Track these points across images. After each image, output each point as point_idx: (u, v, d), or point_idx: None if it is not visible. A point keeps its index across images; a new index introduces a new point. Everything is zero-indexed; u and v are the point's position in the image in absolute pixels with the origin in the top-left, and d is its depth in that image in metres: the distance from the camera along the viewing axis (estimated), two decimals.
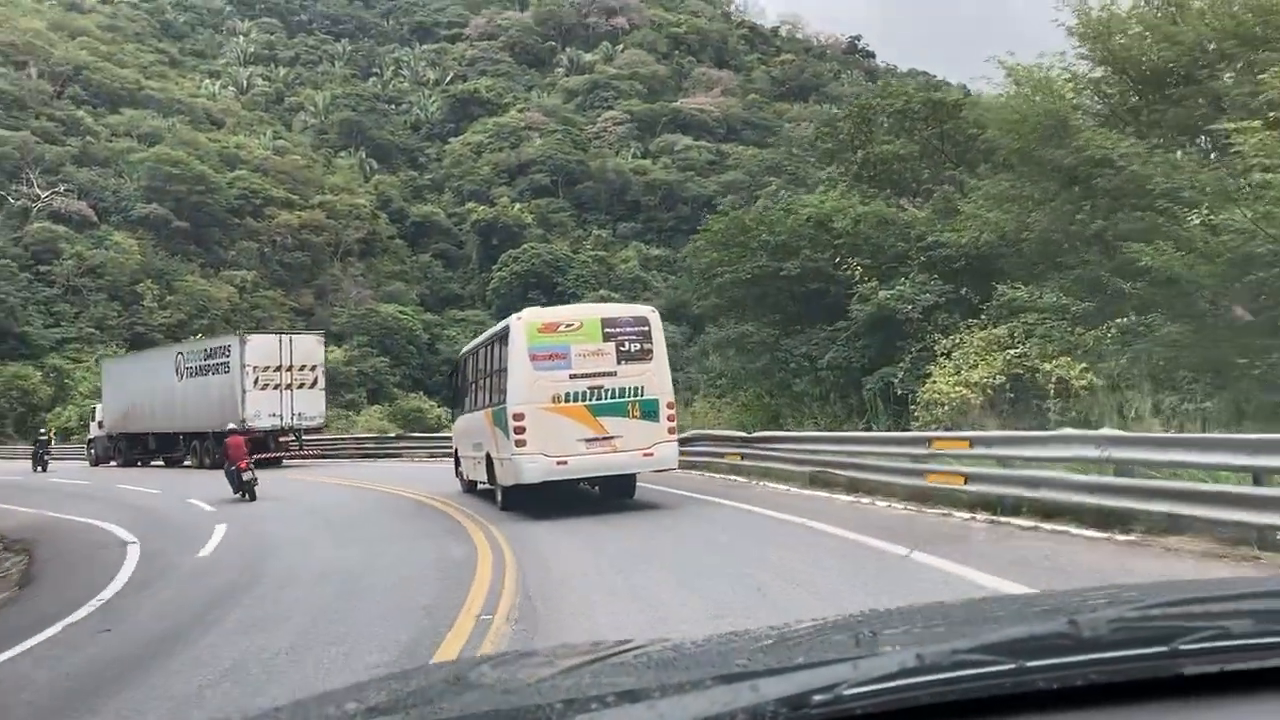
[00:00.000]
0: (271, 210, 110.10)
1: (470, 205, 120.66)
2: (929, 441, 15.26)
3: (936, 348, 21.88)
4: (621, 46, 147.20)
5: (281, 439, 36.33)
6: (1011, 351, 20.71)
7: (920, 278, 23.60)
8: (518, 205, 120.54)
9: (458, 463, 23.35)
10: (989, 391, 20.33)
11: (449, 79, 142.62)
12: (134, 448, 42.12)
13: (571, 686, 1.46)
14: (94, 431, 46.16)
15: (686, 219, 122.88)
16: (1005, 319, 21.60)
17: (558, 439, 16.58)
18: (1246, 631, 1.40)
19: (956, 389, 20.24)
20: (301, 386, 36.02)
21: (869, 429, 21.42)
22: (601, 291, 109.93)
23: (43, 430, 48.26)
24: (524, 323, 17.20)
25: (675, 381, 29.23)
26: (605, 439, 16.72)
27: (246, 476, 24.77)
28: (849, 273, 23.95)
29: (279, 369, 35.50)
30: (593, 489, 19.53)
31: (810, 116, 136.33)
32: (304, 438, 37.72)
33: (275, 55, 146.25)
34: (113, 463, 43.54)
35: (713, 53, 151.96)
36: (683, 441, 23.85)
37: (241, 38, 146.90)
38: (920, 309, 23.00)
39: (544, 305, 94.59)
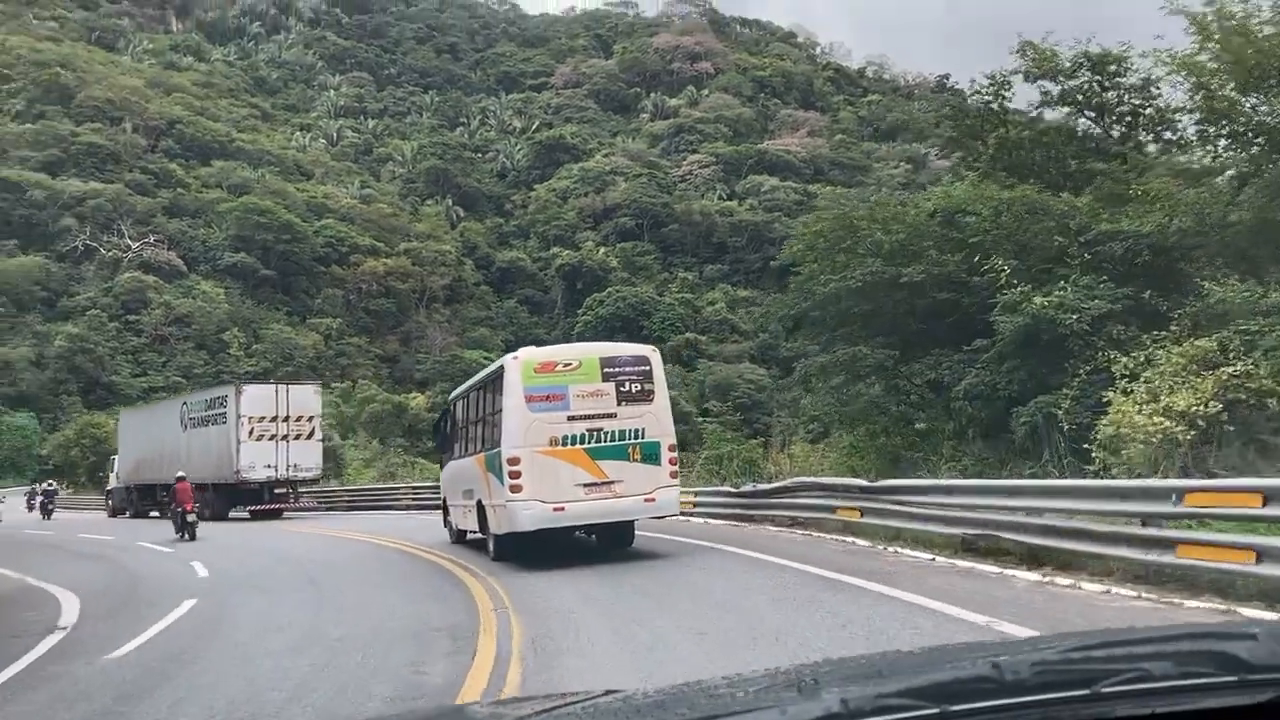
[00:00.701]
0: (357, 258, 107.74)
1: (555, 250, 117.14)
2: (1177, 494, 9.56)
3: (1115, 368, 16.07)
4: (706, 91, 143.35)
5: (277, 490, 34.52)
6: (1227, 370, 14.89)
7: (1085, 280, 17.77)
8: (603, 249, 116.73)
9: (446, 512, 21.62)
10: (1200, 424, 14.53)
11: (535, 127, 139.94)
12: (145, 499, 40.14)
13: None
14: (111, 483, 44.62)
15: (774, 260, 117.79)
16: (1211, 327, 15.76)
17: (555, 484, 15.21)
18: (1168, 674, 1.39)
19: (1155, 421, 14.45)
20: (298, 437, 34.27)
21: (1042, 474, 15.59)
22: (688, 334, 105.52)
23: (50, 481, 46.70)
24: (520, 362, 15.86)
25: (765, 427, 23.86)
26: (605, 484, 15.39)
27: (190, 519, 25.97)
28: (993, 276, 18.18)
29: (275, 419, 33.84)
30: (589, 537, 17.61)
31: (899, 155, 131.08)
32: (301, 489, 36.12)
33: (365, 108, 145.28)
34: (126, 514, 41.84)
35: (798, 95, 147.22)
36: (780, 493, 18.63)
37: (332, 91, 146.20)
38: (1088, 319, 17.20)
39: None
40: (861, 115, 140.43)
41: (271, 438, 33.74)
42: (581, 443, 15.35)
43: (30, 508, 42.33)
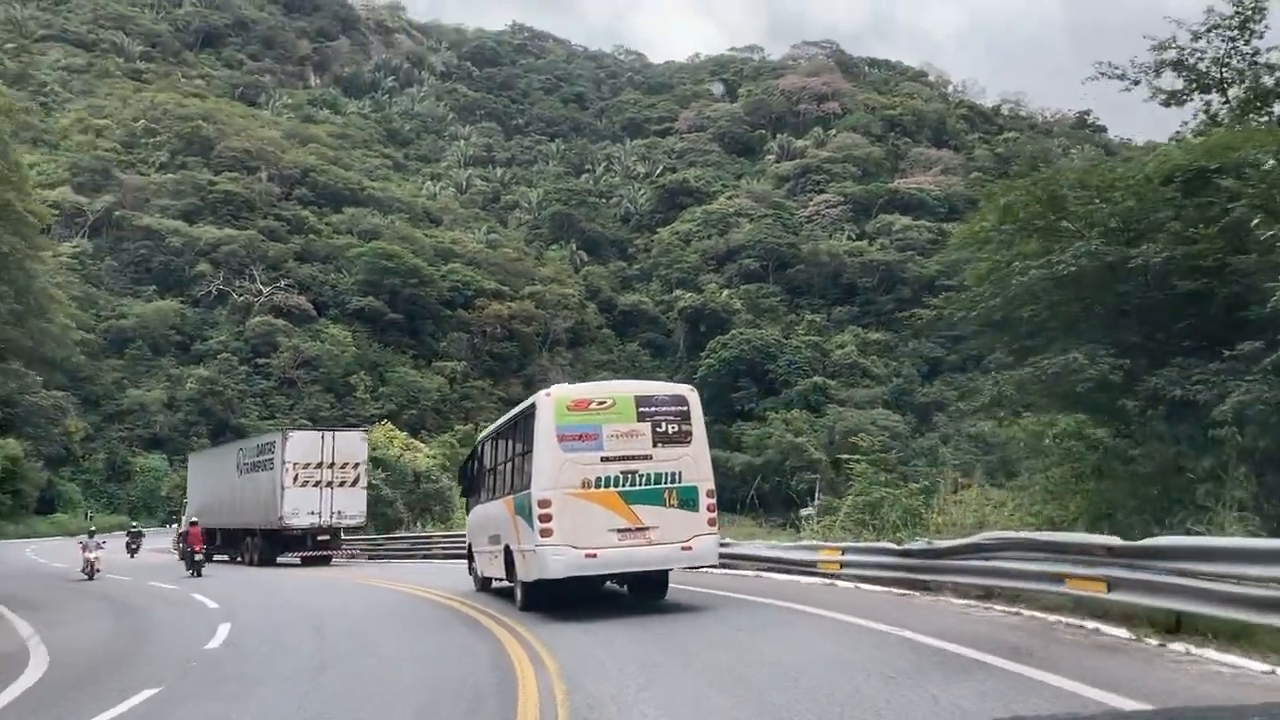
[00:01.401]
0: (482, 301, 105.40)
1: (678, 293, 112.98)
2: None
3: None
4: (834, 131, 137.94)
5: (319, 538, 33.11)
6: None
7: None
8: (726, 291, 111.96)
9: (471, 559, 20.29)
10: None
11: (658, 171, 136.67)
12: (209, 543, 38.21)
13: None
14: (183, 526, 42.90)
15: (907, 301, 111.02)
16: None
17: (587, 529, 14.13)
18: None
19: None
20: (343, 484, 33.14)
21: None
22: (816, 379, 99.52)
23: (134, 523, 46.09)
24: (552, 399, 14.82)
25: (900, 478, 22.20)
26: (639, 530, 14.31)
27: (198, 558, 29.21)
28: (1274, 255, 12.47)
29: (319, 466, 32.84)
30: (621, 587, 16.49)
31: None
32: (345, 537, 34.96)
33: (493, 157, 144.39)
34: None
35: (930, 133, 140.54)
36: (967, 552, 13.19)
37: (462, 141, 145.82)
38: None
39: (754, 393, 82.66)
40: (998, 152, 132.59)
41: (316, 484, 32.73)
42: (615, 485, 14.28)
43: (129, 550, 41.55)
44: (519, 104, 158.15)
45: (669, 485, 14.39)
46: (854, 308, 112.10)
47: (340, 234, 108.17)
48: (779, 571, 18.52)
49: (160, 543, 47.52)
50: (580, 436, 14.36)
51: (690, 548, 14.36)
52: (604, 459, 14.31)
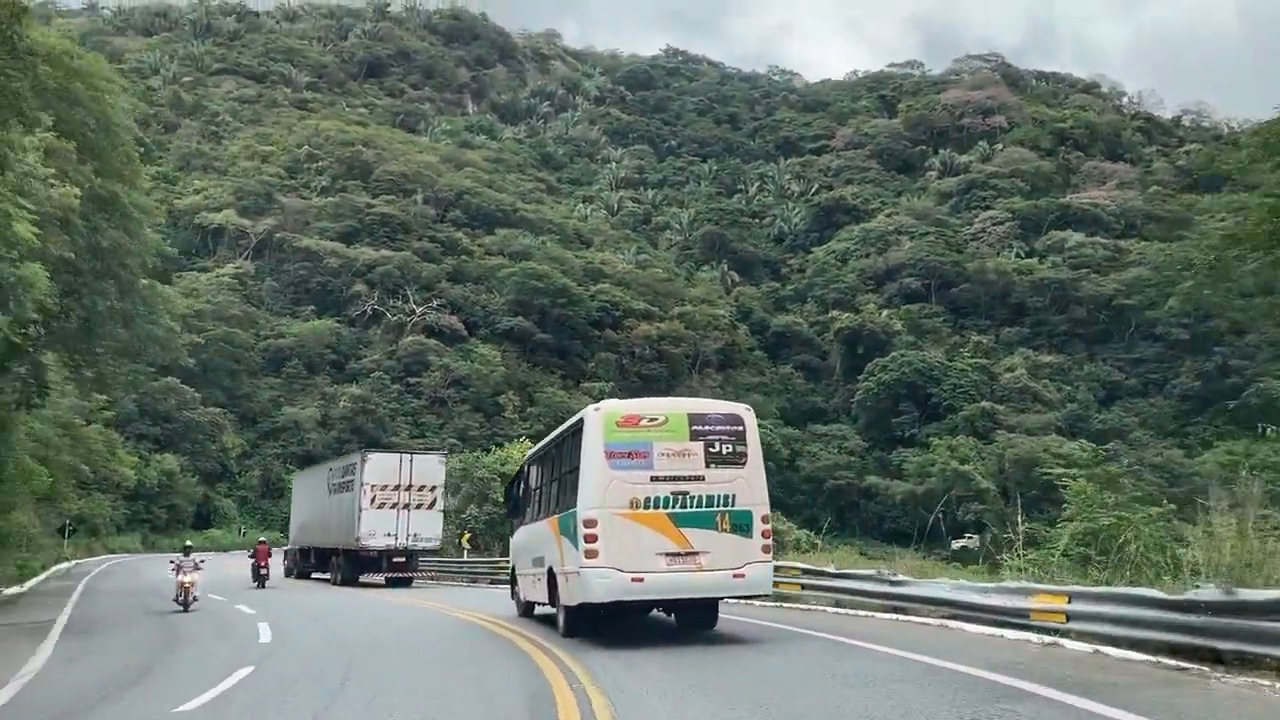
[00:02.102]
0: (631, 322, 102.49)
1: (834, 313, 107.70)
2: None
3: None
4: (1000, 145, 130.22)
5: (395, 559, 32.40)
6: None
7: None
8: (885, 311, 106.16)
9: (514, 583, 19.30)
10: None
11: (814, 190, 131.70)
12: (304, 561, 39.52)
13: None
14: (290, 544, 44.44)
15: (1082, 321, 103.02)
16: None
17: (634, 551, 13.15)
18: None
19: None
20: (419, 507, 32.34)
21: None
22: (983, 403, 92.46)
23: (263, 539, 42.85)
24: (601, 414, 13.86)
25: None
26: (689, 554, 13.26)
27: (263, 571, 31.44)
28: None
29: (397, 488, 32.06)
30: (668, 616, 15.50)
31: (1227, 207, 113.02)
32: (421, 559, 34.46)
33: (645, 179, 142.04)
34: (293, 574, 40.84)
35: (1104, 146, 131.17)
36: None
37: (614, 164, 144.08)
38: None
39: (916, 418, 76.38)
40: (1179, 165, 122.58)
41: (393, 506, 32.08)
42: (665, 506, 13.50)
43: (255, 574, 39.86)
44: (671, 126, 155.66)
45: (721, 509, 13.50)
46: (1023, 328, 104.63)
47: (492, 255, 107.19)
48: (970, 620, 13.92)
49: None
50: (629, 454, 13.54)
51: (743, 575, 13.42)
52: (654, 478, 13.45)
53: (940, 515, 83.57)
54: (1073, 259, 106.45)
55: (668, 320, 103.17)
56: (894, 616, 15.75)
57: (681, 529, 13.30)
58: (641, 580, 13.12)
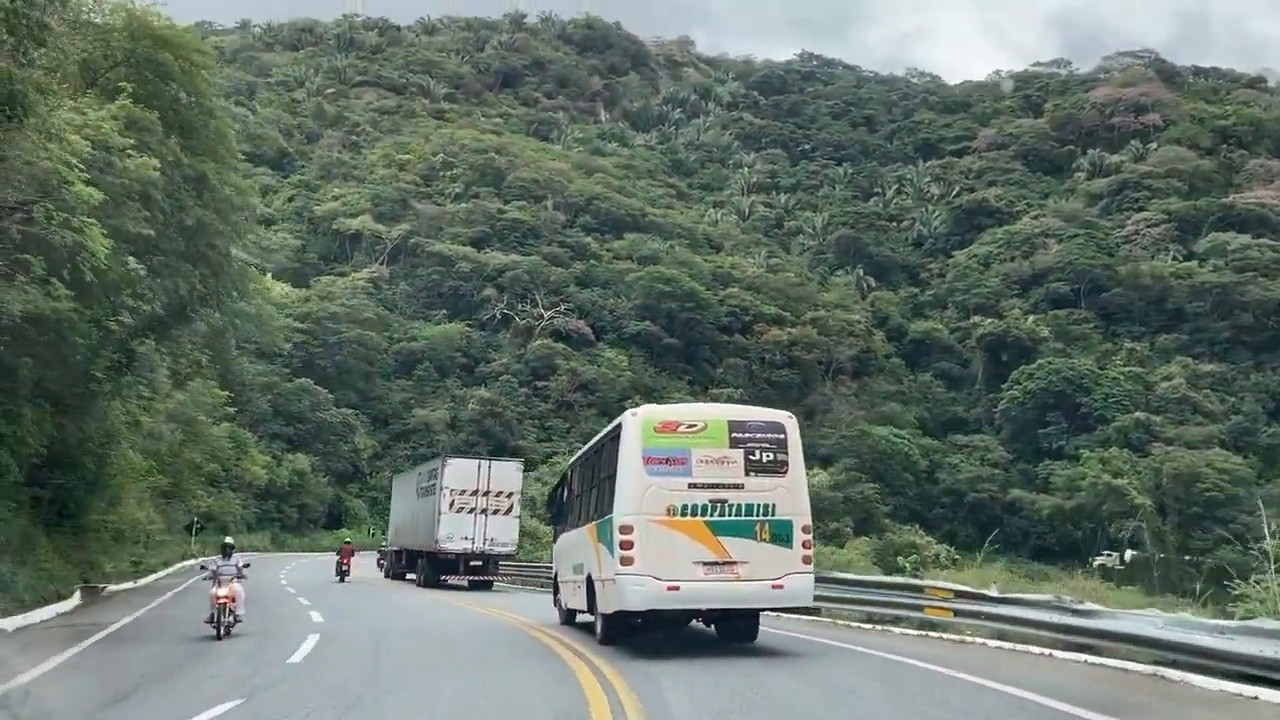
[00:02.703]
0: (761, 327, 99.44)
1: (976, 319, 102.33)
2: None
3: None
4: (1154, 144, 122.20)
5: (472, 563, 32.69)
6: None
7: None
8: (1031, 317, 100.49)
9: (556, 590, 18.80)
10: None
11: (954, 192, 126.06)
12: (398, 563, 40.01)
13: None
14: (387, 544, 44.85)
15: (1248, 328, 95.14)
16: None
17: (671, 559, 12.92)
18: None
19: None
20: (496, 512, 32.65)
21: None
22: (1138, 414, 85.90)
23: (348, 540, 43.77)
24: (639, 419, 13.70)
25: (1243, 529, 14.20)
26: (727, 564, 12.99)
27: (345, 568, 35.06)
28: None
29: (475, 493, 32.47)
30: (707, 627, 14.95)
31: None
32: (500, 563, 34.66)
33: (777, 183, 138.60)
34: (389, 576, 41.21)
35: (1270, 144, 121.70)
36: None
37: (746, 169, 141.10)
38: None
39: (1064, 429, 70.97)
40: None
41: (471, 511, 32.47)
42: (703, 514, 13.06)
43: (382, 568, 41.43)
44: (805, 129, 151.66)
45: (761, 518, 13.21)
46: (1182, 335, 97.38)
47: (620, 259, 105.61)
48: (1195, 670, 10.43)
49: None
50: (667, 460, 13.27)
51: (781, 586, 13.13)
52: (691, 485, 13.21)
53: (1088, 532, 77.79)
54: (1237, 262, 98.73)
55: (800, 325, 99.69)
56: (1081, 658, 12.38)
57: (719, 538, 13.02)
58: (677, 589, 12.86)
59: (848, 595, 18.34)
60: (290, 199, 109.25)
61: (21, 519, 23.59)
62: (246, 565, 17.45)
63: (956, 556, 52.30)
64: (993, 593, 15.08)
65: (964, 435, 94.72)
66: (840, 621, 17.95)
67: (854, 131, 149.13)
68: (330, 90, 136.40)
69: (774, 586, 13.02)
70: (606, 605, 13.88)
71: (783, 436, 13.62)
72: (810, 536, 13.40)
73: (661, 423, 13.55)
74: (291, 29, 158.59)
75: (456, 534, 32.26)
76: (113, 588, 28.68)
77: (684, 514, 13.00)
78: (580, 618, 16.61)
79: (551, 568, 21.06)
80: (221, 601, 16.12)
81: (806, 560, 13.28)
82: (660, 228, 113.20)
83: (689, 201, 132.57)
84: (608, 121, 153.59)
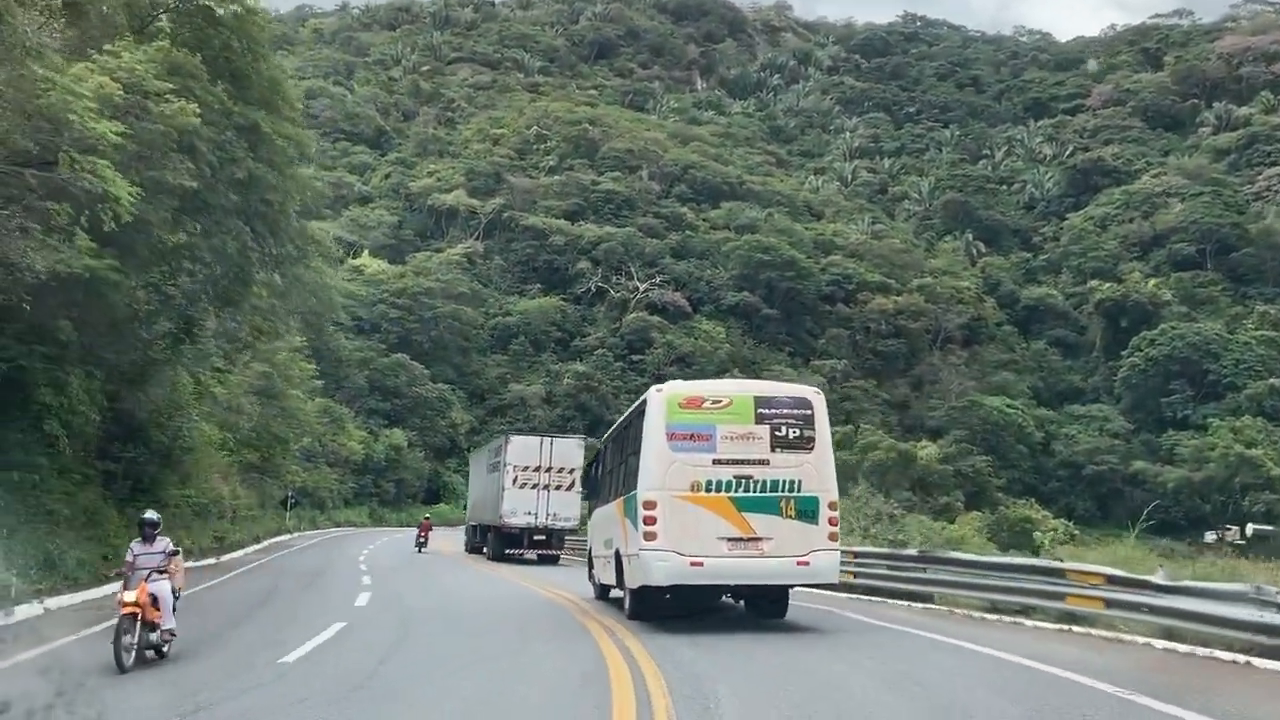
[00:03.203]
0: (865, 295, 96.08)
1: (1093, 284, 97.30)
2: None
3: None
4: None
5: (535, 537, 33.01)
6: None
7: None
8: (1153, 280, 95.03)
9: (591, 565, 18.87)
10: None
11: (1068, 152, 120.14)
12: (474, 537, 39.94)
13: None
14: (467, 519, 44.92)
15: None
16: None
17: (695, 535, 12.93)
18: None
19: None
20: (559, 488, 32.91)
21: None
22: (1273, 381, 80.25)
23: (427, 515, 44.87)
24: (664, 396, 13.60)
25: None
26: (751, 540, 12.95)
27: (422, 540, 37.53)
28: None
29: (537, 469, 32.94)
30: (737, 603, 15.28)
31: None
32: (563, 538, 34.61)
33: (880, 148, 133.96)
34: (469, 550, 40.90)
35: None
36: None
37: (848, 134, 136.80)
38: None
39: (1190, 398, 66.45)
40: None
41: (534, 487, 32.82)
42: (727, 490, 13.02)
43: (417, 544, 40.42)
44: (909, 92, 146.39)
45: (786, 494, 13.03)
46: None
47: (717, 229, 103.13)
48: None
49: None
50: (692, 436, 13.15)
51: (807, 563, 12.94)
52: (716, 461, 13.07)
53: (1219, 506, 72.91)
54: None
55: (906, 293, 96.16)
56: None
57: (744, 514, 12.97)
58: (701, 564, 12.83)
59: (965, 579, 15.87)
60: (387, 176, 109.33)
61: (89, 493, 22.59)
62: (176, 552, 11.52)
63: (1075, 531, 49.02)
64: (1159, 579, 12.18)
65: (1081, 405, 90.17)
66: (959, 611, 15.46)
67: (960, 93, 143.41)
68: (426, 67, 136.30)
69: (799, 563, 12.93)
70: (633, 580, 13.93)
71: (810, 413, 13.43)
72: (837, 514, 13.29)
73: (686, 398, 13.44)
74: (389, 8, 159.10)
75: (520, 509, 32.71)
76: (189, 565, 27.79)
77: (709, 490, 12.96)
78: (615, 593, 16.42)
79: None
80: (129, 610, 10.36)
81: (833, 537, 13.21)
82: (758, 196, 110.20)
83: (789, 169, 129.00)
84: (704, 90, 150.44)
